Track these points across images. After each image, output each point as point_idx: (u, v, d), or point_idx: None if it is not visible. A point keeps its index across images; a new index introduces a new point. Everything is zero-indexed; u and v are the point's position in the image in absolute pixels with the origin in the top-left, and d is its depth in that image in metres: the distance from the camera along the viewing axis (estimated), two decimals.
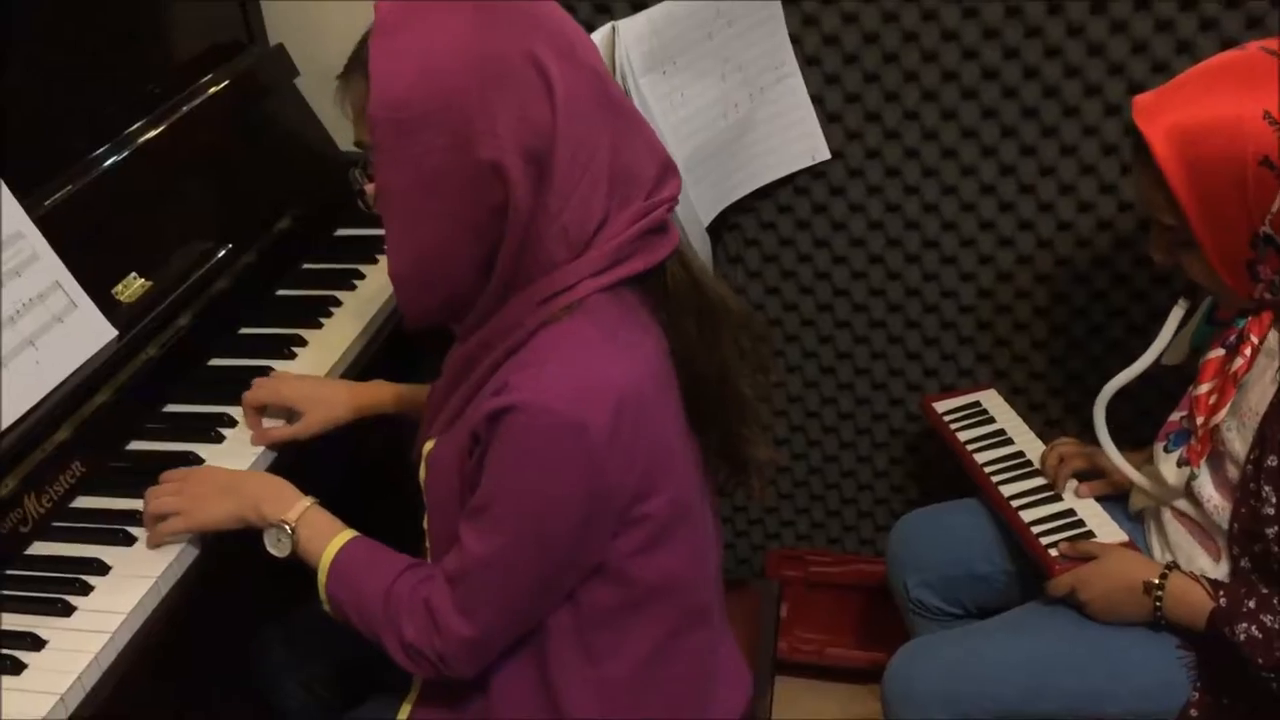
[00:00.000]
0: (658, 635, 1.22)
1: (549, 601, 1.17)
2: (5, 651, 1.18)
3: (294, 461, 1.46)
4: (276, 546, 1.26)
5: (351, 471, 1.69)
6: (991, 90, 1.76)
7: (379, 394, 1.50)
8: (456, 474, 1.16)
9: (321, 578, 1.23)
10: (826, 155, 1.85)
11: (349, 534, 1.25)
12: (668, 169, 1.17)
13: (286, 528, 1.25)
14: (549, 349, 1.10)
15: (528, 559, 1.13)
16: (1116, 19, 1.68)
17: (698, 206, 1.78)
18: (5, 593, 1.25)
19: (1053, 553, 1.52)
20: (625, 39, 1.61)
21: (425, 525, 1.25)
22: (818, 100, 1.82)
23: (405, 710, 1.30)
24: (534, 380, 1.08)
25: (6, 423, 1.29)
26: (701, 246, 1.79)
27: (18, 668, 1.17)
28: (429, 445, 1.22)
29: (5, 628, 1.21)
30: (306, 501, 1.27)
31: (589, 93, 1.09)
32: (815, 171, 1.87)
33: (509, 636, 1.19)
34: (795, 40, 1.78)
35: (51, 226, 1.42)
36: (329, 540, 1.24)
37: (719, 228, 1.90)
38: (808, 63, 1.80)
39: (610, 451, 1.08)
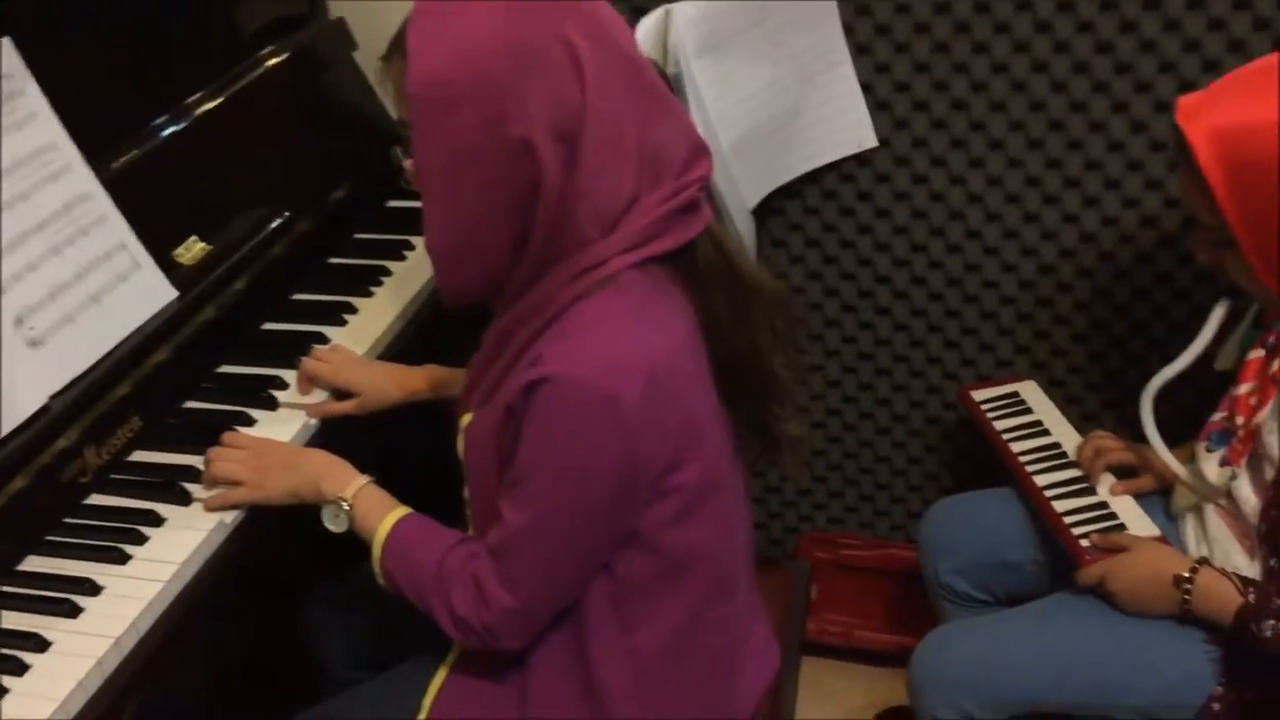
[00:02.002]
0: (689, 606, 1.25)
1: (589, 571, 1.20)
2: (63, 596, 1.22)
3: (343, 433, 1.50)
4: (334, 522, 1.30)
5: (393, 442, 1.72)
6: (1040, 84, 1.77)
7: (418, 380, 1.54)
8: (493, 446, 1.19)
9: (376, 552, 1.27)
10: (874, 143, 1.87)
11: (402, 510, 1.29)
12: (699, 150, 1.19)
13: (344, 504, 1.29)
14: (582, 322, 1.13)
15: (564, 529, 1.16)
16: (1169, 16, 1.68)
17: (744, 190, 1.80)
18: (64, 540, 1.30)
19: (1084, 543, 1.53)
20: (679, 23, 1.63)
21: (465, 496, 1.29)
22: (867, 88, 1.84)
23: (441, 674, 1.34)
24: (567, 353, 1.11)
25: (71, 376, 1.34)
26: (746, 230, 1.82)
27: (74, 611, 1.21)
28: (467, 418, 1.25)
29: (64, 573, 1.25)
30: (363, 479, 1.32)
31: (618, 74, 1.11)
32: (861, 159, 1.89)
33: (553, 607, 1.22)
34: (847, 29, 1.80)
35: (117, 189, 1.46)
36: (383, 517, 1.28)
37: (764, 211, 1.92)
38: (859, 51, 1.81)
39: (642, 422, 1.11)
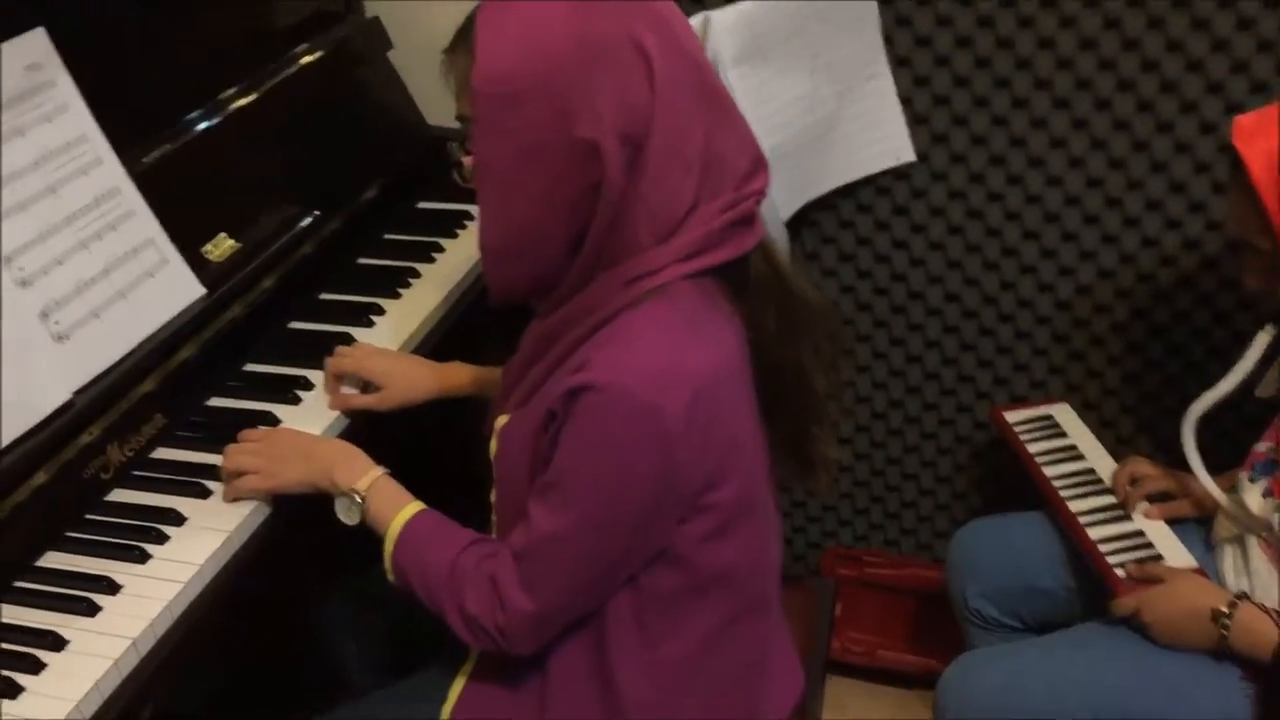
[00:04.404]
0: (715, 622, 1.23)
1: (613, 582, 1.18)
2: (82, 594, 1.21)
3: (366, 431, 1.48)
4: (347, 514, 1.28)
5: (417, 445, 1.71)
6: (1083, 101, 1.74)
7: (459, 376, 1.52)
8: (529, 449, 1.17)
9: (388, 547, 1.25)
10: (911, 157, 1.84)
11: (418, 506, 1.27)
12: (758, 162, 1.17)
13: (357, 496, 1.27)
14: (631, 331, 1.11)
15: (594, 538, 1.14)
16: (1217, 37, 1.65)
17: (778, 201, 1.77)
18: (84, 537, 1.29)
19: (1119, 572, 1.51)
20: (717, 30, 1.62)
21: (492, 499, 1.27)
22: (906, 101, 1.81)
23: (460, 682, 1.32)
24: (614, 361, 1.09)
25: (96, 371, 1.33)
26: (780, 241, 1.79)
27: (93, 610, 1.20)
28: (502, 420, 1.23)
29: (83, 570, 1.24)
30: (378, 471, 1.30)
31: (688, 80, 1.10)
32: (898, 173, 1.87)
33: (571, 615, 1.20)
34: (887, 40, 1.78)
35: (147, 184, 1.45)
36: (398, 510, 1.25)
37: (798, 223, 1.90)
38: (898, 63, 1.79)
39: (684, 438, 1.09)
